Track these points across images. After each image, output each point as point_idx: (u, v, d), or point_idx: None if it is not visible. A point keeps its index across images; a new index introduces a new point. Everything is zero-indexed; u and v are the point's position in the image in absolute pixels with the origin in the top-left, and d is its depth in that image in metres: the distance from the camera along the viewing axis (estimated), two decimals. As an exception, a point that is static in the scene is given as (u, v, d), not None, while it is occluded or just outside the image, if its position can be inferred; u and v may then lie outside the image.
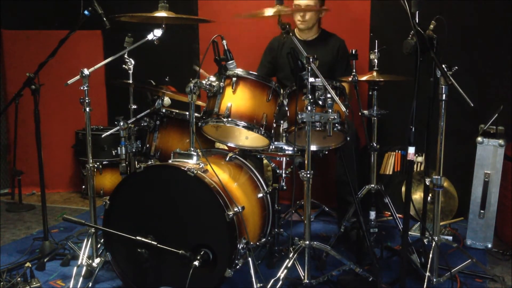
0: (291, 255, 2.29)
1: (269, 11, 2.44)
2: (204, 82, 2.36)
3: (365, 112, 2.68)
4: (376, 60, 2.68)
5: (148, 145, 2.75)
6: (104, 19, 2.46)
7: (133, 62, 2.80)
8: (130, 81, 2.80)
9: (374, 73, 2.66)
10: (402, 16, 2.05)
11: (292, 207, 3.34)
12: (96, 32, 4.20)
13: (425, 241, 2.46)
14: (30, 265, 2.40)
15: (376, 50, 2.69)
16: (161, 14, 2.53)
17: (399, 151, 3.62)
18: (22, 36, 4.20)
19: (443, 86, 2.19)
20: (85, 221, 2.26)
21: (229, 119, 2.36)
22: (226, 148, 2.91)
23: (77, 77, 2.37)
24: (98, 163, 2.56)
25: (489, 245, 2.94)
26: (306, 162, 2.21)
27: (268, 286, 2.23)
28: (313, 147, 2.60)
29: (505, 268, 2.70)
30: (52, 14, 4.23)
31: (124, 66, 2.80)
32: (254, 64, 3.45)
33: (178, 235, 2.17)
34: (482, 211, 2.93)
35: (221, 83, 2.41)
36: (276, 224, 2.64)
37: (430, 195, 2.67)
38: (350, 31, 3.53)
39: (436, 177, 2.28)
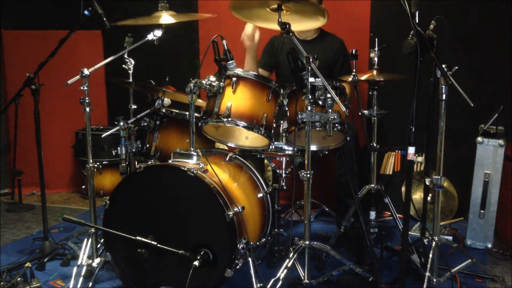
0: (291, 255, 2.29)
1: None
2: (204, 82, 2.37)
3: (365, 112, 2.67)
4: (376, 59, 2.67)
5: (148, 145, 2.74)
6: (104, 19, 2.46)
7: (133, 62, 2.80)
8: (130, 80, 2.80)
9: (374, 72, 2.65)
10: (402, 16, 2.05)
11: (292, 207, 3.34)
12: (96, 32, 4.20)
13: (425, 241, 2.46)
14: (30, 265, 2.40)
15: (376, 48, 2.68)
16: (163, 16, 2.54)
17: (399, 151, 3.62)
18: (22, 36, 4.20)
19: (443, 86, 2.19)
20: (85, 221, 2.26)
21: (229, 119, 2.36)
22: (226, 148, 2.91)
23: (77, 77, 2.37)
24: (98, 163, 2.55)
25: (489, 245, 2.93)
26: (306, 162, 2.21)
27: (268, 286, 2.22)
28: (313, 147, 2.60)
29: (505, 268, 2.70)
30: (52, 14, 4.23)
31: (124, 66, 2.80)
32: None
33: (178, 235, 2.17)
34: (482, 211, 2.93)
35: (221, 83, 2.40)
36: (276, 224, 2.64)
37: (430, 195, 2.67)
38: (350, 31, 3.52)
39: (436, 177, 2.28)
